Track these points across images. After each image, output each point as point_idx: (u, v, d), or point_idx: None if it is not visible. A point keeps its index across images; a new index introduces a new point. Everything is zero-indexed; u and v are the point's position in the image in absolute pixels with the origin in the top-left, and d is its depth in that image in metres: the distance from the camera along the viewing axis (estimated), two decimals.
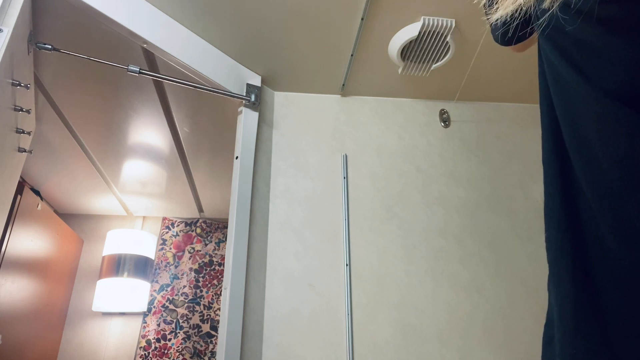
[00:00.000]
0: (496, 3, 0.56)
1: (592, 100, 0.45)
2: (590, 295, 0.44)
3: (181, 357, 2.68)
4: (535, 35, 0.65)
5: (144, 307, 2.71)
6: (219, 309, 2.85)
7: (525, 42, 0.68)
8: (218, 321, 2.82)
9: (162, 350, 2.67)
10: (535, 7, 0.52)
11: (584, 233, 0.46)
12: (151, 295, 2.80)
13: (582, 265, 0.46)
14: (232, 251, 1.35)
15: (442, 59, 1.53)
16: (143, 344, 2.67)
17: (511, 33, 0.62)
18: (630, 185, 0.41)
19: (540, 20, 0.51)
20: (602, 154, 0.44)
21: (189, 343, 2.72)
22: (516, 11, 0.53)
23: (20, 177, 2.25)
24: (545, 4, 0.49)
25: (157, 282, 2.84)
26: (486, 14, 0.66)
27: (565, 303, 0.47)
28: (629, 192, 0.41)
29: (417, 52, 1.51)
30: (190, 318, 2.79)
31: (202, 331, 2.78)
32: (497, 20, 0.59)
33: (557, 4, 0.47)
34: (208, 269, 2.94)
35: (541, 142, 0.58)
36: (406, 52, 1.51)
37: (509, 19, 0.57)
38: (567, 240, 0.48)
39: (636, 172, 0.41)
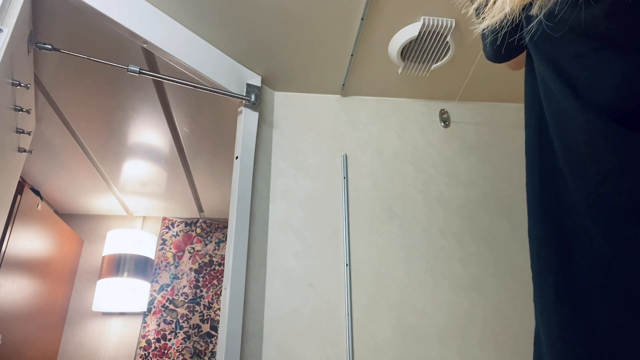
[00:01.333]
0: (483, 13, 0.56)
1: (580, 115, 0.45)
2: (578, 312, 0.43)
3: (181, 357, 2.68)
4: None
5: (144, 307, 2.71)
6: (219, 309, 2.85)
7: (519, 58, 0.67)
8: (218, 321, 2.82)
9: (162, 350, 2.67)
10: (522, 15, 0.52)
11: (571, 249, 0.45)
12: (151, 295, 2.80)
13: (569, 282, 0.44)
14: (232, 251, 1.35)
15: (442, 59, 1.53)
16: (143, 344, 2.67)
17: (500, 41, 0.60)
18: (622, 198, 0.41)
19: (529, 27, 0.51)
20: (592, 168, 0.43)
21: (189, 343, 2.72)
22: (502, 21, 0.53)
23: (20, 177, 2.25)
24: (534, 10, 0.48)
25: (157, 282, 2.84)
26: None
27: (551, 321, 0.45)
28: (620, 205, 0.41)
29: (417, 52, 1.51)
30: (190, 318, 2.79)
31: (202, 331, 2.78)
32: (485, 29, 0.58)
33: (545, 9, 0.47)
34: (208, 269, 2.94)
35: (525, 154, 0.57)
36: (406, 52, 1.51)
37: (497, 27, 0.56)
38: (552, 256, 0.47)
39: (626, 188, 0.40)
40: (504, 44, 0.62)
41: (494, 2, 0.53)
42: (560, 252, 0.46)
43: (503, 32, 0.57)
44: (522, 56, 0.66)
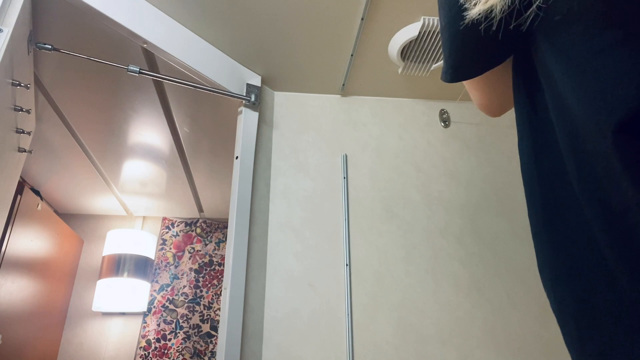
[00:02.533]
0: None
1: (597, 130, 0.36)
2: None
3: (181, 357, 2.68)
4: (496, 71, 0.51)
5: (144, 307, 2.71)
6: (219, 309, 2.85)
7: (492, 76, 0.51)
8: (218, 321, 2.82)
9: (162, 350, 2.67)
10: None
11: (589, 291, 0.39)
12: (151, 295, 2.79)
13: (591, 329, 0.38)
14: (232, 251, 1.35)
15: (442, 59, 1.53)
16: (143, 344, 2.67)
17: (495, 26, 0.44)
18: None
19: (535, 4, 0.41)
20: (615, 197, 0.36)
21: (189, 343, 2.72)
22: (489, 11, 0.43)
23: (20, 177, 2.25)
24: None
25: (157, 282, 2.84)
26: (456, 11, 0.47)
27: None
28: None
29: (417, 52, 1.51)
30: (190, 318, 2.79)
31: (202, 331, 2.78)
32: (478, 15, 0.44)
33: None
34: (208, 269, 2.94)
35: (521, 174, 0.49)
36: (406, 52, 1.51)
37: (494, 14, 0.43)
38: (570, 301, 0.41)
39: None
40: (499, 33, 0.46)
41: None
42: (578, 295, 0.40)
43: (499, 17, 0.43)
44: (496, 74, 0.52)
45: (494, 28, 0.45)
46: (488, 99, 0.56)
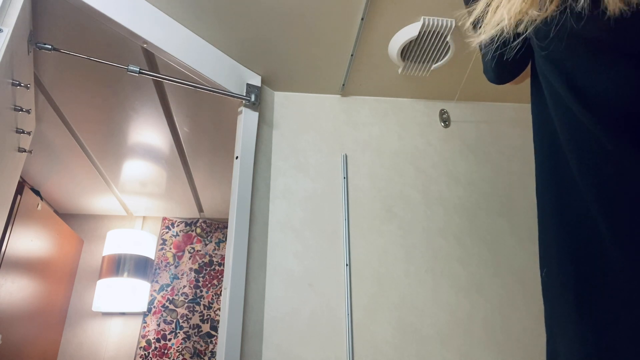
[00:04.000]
0: (480, 26, 0.55)
1: (596, 140, 0.43)
2: (600, 328, 0.41)
3: (181, 357, 2.68)
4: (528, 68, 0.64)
5: (144, 307, 2.71)
6: (219, 309, 2.85)
7: (523, 74, 0.67)
8: (218, 321, 2.82)
9: (162, 350, 2.67)
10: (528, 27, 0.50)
11: (591, 268, 0.43)
12: (151, 295, 2.79)
13: (592, 302, 0.42)
14: (232, 251, 1.35)
15: (442, 59, 1.53)
16: (143, 344, 2.67)
17: (502, 58, 0.61)
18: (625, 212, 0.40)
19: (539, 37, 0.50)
20: (612, 188, 0.42)
21: (189, 343, 2.72)
22: (501, 34, 0.52)
23: (20, 177, 2.25)
24: (519, 29, 0.48)
25: (157, 282, 2.84)
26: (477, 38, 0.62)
27: (573, 338, 0.43)
28: None
29: (417, 52, 1.51)
30: (190, 318, 2.79)
31: (202, 331, 2.78)
32: (485, 46, 0.58)
33: (532, 27, 0.47)
34: (208, 269, 2.94)
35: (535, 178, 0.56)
36: (406, 52, 1.51)
37: (498, 43, 0.56)
38: (571, 277, 0.45)
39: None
40: (506, 61, 0.62)
41: (494, 13, 0.51)
42: (580, 272, 0.44)
43: (504, 47, 0.56)
44: (525, 73, 0.65)
45: (500, 58, 0.62)
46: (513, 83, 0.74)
